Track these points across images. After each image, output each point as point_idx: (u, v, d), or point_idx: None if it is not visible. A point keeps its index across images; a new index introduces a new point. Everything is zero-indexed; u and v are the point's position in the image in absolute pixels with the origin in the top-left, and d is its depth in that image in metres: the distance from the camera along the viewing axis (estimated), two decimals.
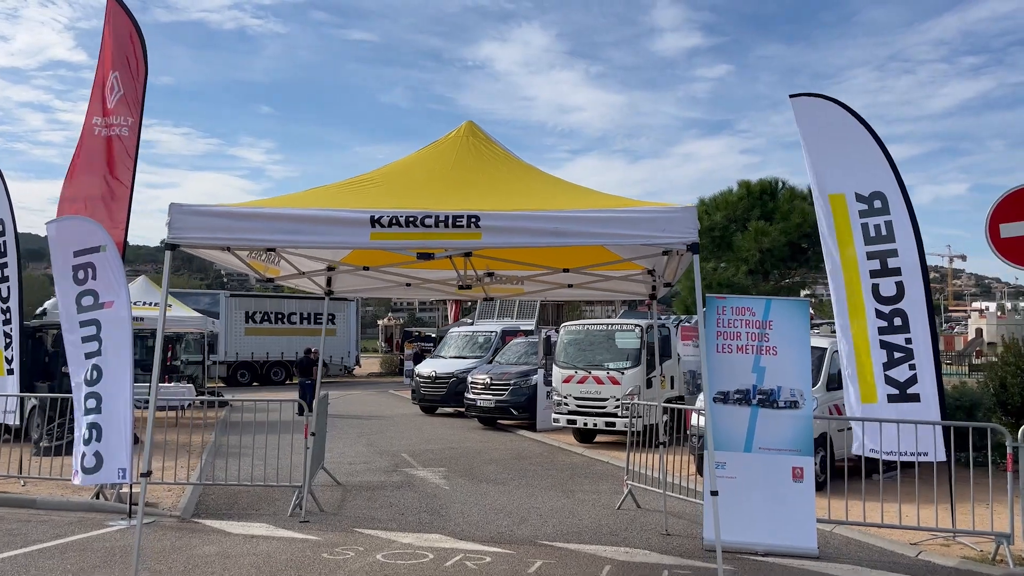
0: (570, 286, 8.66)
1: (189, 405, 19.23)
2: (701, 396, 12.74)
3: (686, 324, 17.12)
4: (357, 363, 39.80)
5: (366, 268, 7.98)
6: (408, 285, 8.84)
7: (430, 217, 5.34)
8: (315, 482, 11.12)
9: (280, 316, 37.40)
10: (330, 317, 38.45)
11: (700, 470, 11.93)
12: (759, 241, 21.45)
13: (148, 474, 6.02)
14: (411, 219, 5.34)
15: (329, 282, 8.83)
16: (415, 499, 10.33)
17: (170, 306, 19.91)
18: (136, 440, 15.12)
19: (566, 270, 7.73)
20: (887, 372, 8.63)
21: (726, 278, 22.07)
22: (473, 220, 5.29)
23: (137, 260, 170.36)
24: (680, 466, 10.57)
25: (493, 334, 23.60)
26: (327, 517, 9.11)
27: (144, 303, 19.81)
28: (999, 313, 70.54)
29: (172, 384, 21.04)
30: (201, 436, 14.19)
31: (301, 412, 22.33)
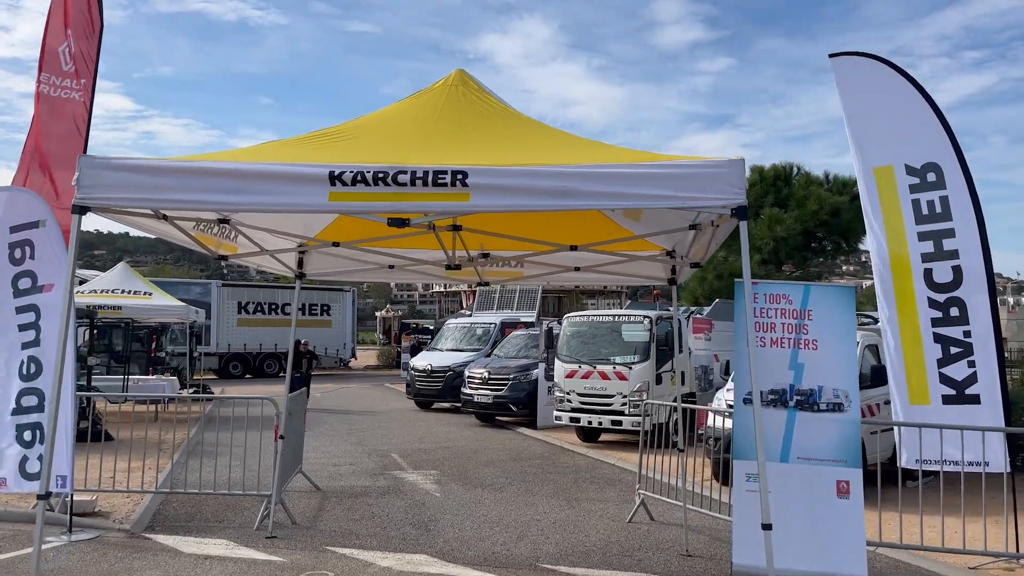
0: (577, 269, 7.53)
1: (169, 400, 18.16)
2: (719, 394, 11.61)
3: (698, 316, 15.99)
4: (353, 356, 38.72)
5: (336, 244, 6.83)
6: (391, 267, 7.71)
7: (404, 173, 4.21)
8: (291, 487, 10.02)
9: (274, 307, 36.33)
10: (325, 308, 37.39)
11: (717, 475, 10.84)
12: (773, 229, 20.30)
13: (47, 496, 4.87)
14: (380, 175, 4.22)
15: (300, 263, 7.70)
16: (402, 509, 9.22)
17: (149, 294, 18.82)
18: (109, 437, 14.07)
19: (573, 247, 6.56)
20: (942, 370, 7.51)
21: (738, 268, 20.91)
22: (459, 177, 4.17)
23: (137, 251, 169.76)
24: (693, 470, 9.45)
25: (492, 326, 22.49)
26: (298, 532, 8.00)
27: (124, 291, 18.73)
28: (1010, 308, 69.44)
29: (154, 377, 19.94)
30: (181, 433, 13.05)
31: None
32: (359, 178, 4.21)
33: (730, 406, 10.94)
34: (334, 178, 4.21)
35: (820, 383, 6.91)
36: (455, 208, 4.22)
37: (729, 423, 9.96)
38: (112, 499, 9.13)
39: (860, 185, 8.05)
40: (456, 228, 6.02)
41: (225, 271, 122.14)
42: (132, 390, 16.99)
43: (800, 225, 20.26)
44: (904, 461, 7.69)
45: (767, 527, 4.57)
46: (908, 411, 7.58)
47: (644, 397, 14.20)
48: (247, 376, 34.73)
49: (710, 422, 10.94)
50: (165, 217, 5.29)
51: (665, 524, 8.66)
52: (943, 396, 7.48)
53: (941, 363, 7.51)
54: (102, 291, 18.35)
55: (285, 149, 4.84)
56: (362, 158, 4.39)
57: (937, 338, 7.53)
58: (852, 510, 6.69)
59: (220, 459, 10.05)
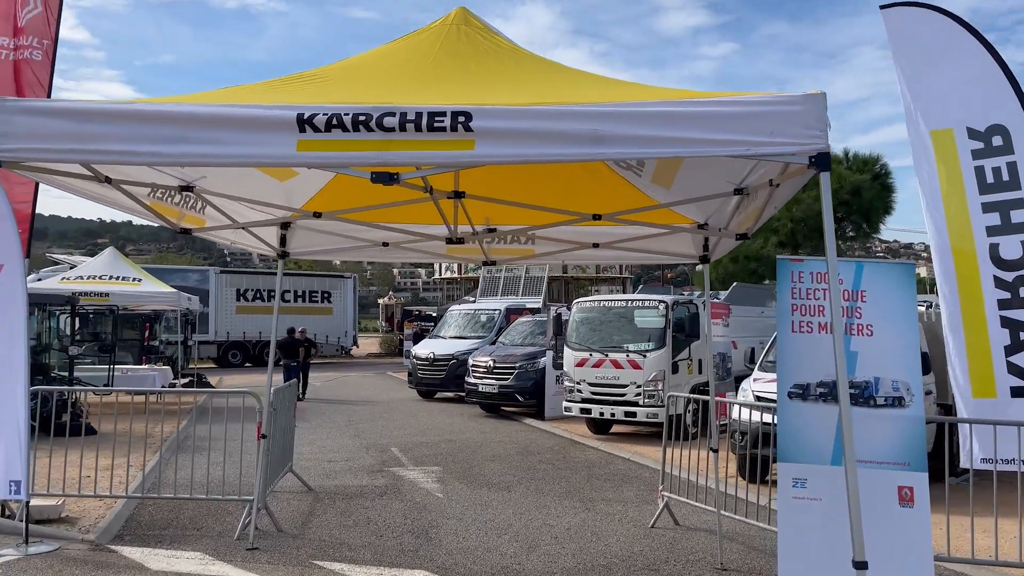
0: (595, 246, 6.63)
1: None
2: (744, 384, 10.73)
3: (715, 300, 15.09)
4: (355, 343, 37.90)
5: (317, 215, 5.92)
6: (385, 245, 6.82)
7: (392, 115, 3.33)
8: (280, 488, 9.18)
9: (273, 294, 35.42)
10: (326, 295, 36.57)
11: (743, 472, 9.99)
12: (790, 210, 19.40)
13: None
14: (362, 119, 3.33)
15: (284, 240, 6.81)
16: (400, 513, 8.38)
17: (139, 280, 17.99)
18: (92, 431, 13.24)
19: (597, 216, 5.65)
20: (1010, 358, 6.64)
21: (754, 251, 20.04)
22: (461, 120, 3.28)
23: (140, 239, 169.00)
24: (717, 466, 8.62)
25: (496, 312, 21.62)
26: (283, 541, 7.15)
27: (112, 277, 17.89)
28: None
29: (145, 366, 19.13)
30: (170, 426, 12.20)
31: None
32: (335, 122, 3.32)
33: (758, 398, 10.10)
34: (303, 122, 3.33)
35: (877, 374, 6.02)
36: (456, 159, 3.33)
37: (757, 416, 9.10)
38: (83, 502, 8.30)
39: (914, 152, 7.15)
40: (458, 195, 5.13)
41: (228, 259, 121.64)
42: (120, 380, 16.19)
43: (819, 205, 19.32)
44: (963, 462, 6.84)
45: (861, 566, 3.67)
46: (972, 405, 6.70)
47: (660, 387, 13.37)
48: (246, 364, 33.95)
49: (735, 414, 10.07)
50: (108, 180, 4.40)
51: (692, 530, 7.81)
52: (1012, 388, 6.61)
53: (1009, 351, 6.64)
54: (88, 277, 17.53)
55: (244, 92, 3.95)
56: (340, 99, 3.51)
57: (1005, 322, 6.66)
58: (917, 520, 5.81)
59: (207, 456, 9.23)
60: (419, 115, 3.31)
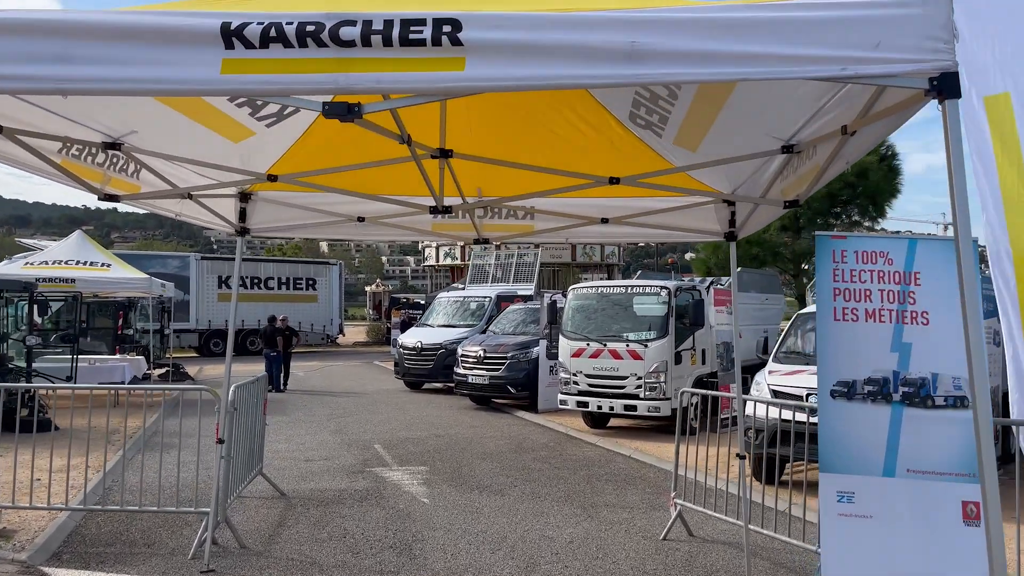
0: (604, 221, 5.73)
1: (131, 382, 16.38)
2: (758, 377, 9.88)
3: (719, 287, 14.22)
4: (341, 332, 36.94)
5: (272, 178, 4.96)
6: (361, 220, 5.89)
7: (352, 24, 2.41)
8: (249, 492, 8.29)
9: (257, 281, 34.48)
10: (310, 282, 35.57)
11: (758, 475, 9.17)
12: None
13: None
14: (310, 30, 2.42)
15: (243, 214, 5.87)
16: (381, 523, 7.50)
17: (108, 266, 16.97)
18: (55, 427, 12.29)
19: (614, 180, 4.72)
20: None
21: (756, 235, 19.15)
22: (447, 30, 2.37)
23: (125, 226, 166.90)
24: (728, 463, 7.77)
25: (487, 300, 20.72)
26: (244, 561, 6.25)
27: (78, 262, 16.87)
28: None
29: (117, 356, 18.15)
30: (138, 421, 11.24)
31: (268, 390, 19.61)
32: (273, 34, 2.41)
33: (775, 393, 9.26)
34: (230, 34, 2.41)
35: (934, 369, 5.16)
36: (440, 84, 2.41)
37: (775, 412, 8.25)
38: (26, 512, 7.37)
39: (963, 120, 6.26)
40: (444, 154, 4.22)
41: (215, 246, 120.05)
42: (87, 372, 15.20)
43: (823, 187, 18.45)
44: None
45: None
46: None
47: (662, 379, 12.52)
48: None
49: (748, 410, 9.19)
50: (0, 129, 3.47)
51: (709, 542, 6.96)
52: None
53: None
54: (53, 262, 16.50)
55: (160, 5, 3.03)
56: (281, 4, 2.60)
57: None
58: (985, 541, 4.98)
59: (165, 459, 8.29)
60: (389, 24, 2.39)
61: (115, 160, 4.38)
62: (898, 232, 21.03)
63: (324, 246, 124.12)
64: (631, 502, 8.45)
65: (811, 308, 10.41)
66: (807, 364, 9.30)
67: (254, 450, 8.30)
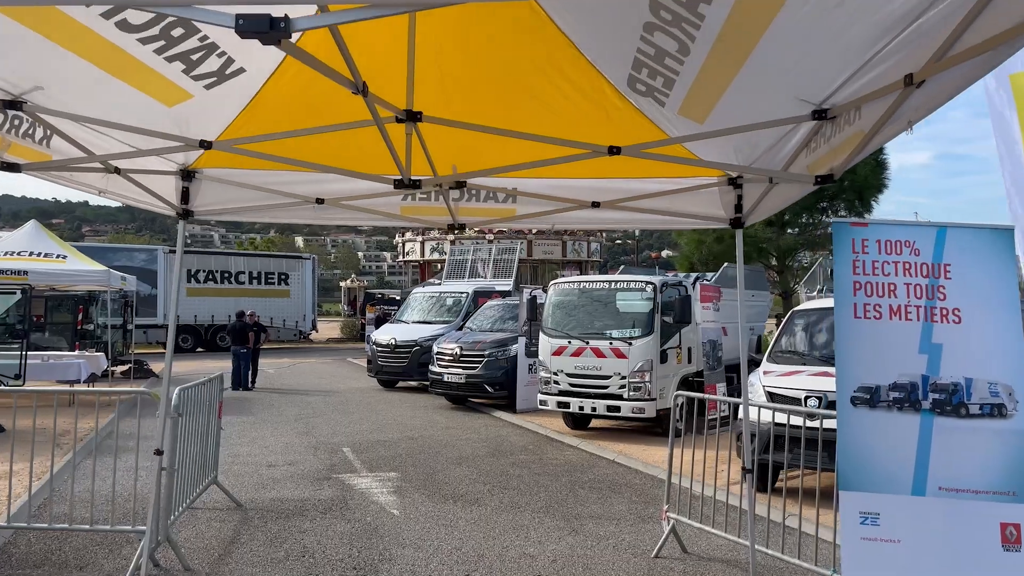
0: (595, 205, 5.08)
1: (88, 379, 15.53)
2: (752, 378, 9.29)
3: (705, 283, 13.66)
4: (314, 328, 36.08)
5: (205, 146, 4.24)
6: (320, 202, 5.20)
7: None
8: (202, 504, 7.57)
9: (227, 275, 33.56)
10: (283, 277, 34.67)
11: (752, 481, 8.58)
12: None
13: None
14: None
15: (186, 195, 5.16)
16: (345, 539, 6.81)
17: (63, 257, 16.08)
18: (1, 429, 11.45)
19: (614, 150, 4.04)
20: None
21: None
22: None
23: (97, 220, 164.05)
24: (701, 464, 7.21)
25: (464, 296, 20.05)
26: None
27: (31, 253, 15.96)
28: None
29: (74, 353, 17.26)
30: (86, 423, 10.47)
31: (236, 388, 18.83)
32: None
33: (771, 395, 8.69)
34: None
35: (968, 373, 4.57)
36: None
37: (768, 415, 7.69)
38: None
39: (990, 103, 5.71)
40: (412, 117, 3.54)
41: (189, 241, 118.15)
42: (39, 368, 14.36)
43: None
44: None
45: None
46: None
47: (647, 378, 11.93)
48: (198, 350, 32.03)
49: (741, 413, 8.61)
50: None
51: (706, 560, 6.35)
52: None
53: None
54: (5, 253, 15.58)
55: None
56: None
57: None
58: None
59: (111, 464, 7.56)
60: None
61: (16, 122, 3.67)
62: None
63: (300, 241, 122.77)
64: (618, 513, 7.83)
65: (806, 304, 9.86)
66: (804, 364, 8.74)
67: (207, 458, 7.58)
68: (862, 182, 18.01)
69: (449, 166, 4.89)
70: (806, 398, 8.13)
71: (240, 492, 8.31)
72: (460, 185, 5.08)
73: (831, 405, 8.04)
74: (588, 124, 4.34)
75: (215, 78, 4.04)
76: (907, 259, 4.73)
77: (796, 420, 7.41)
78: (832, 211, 19.01)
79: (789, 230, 19.97)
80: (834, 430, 6.69)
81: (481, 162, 4.32)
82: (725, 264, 14.77)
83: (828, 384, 8.16)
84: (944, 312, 4.64)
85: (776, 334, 9.54)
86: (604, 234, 41.84)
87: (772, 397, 8.47)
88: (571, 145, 3.85)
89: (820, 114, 3.32)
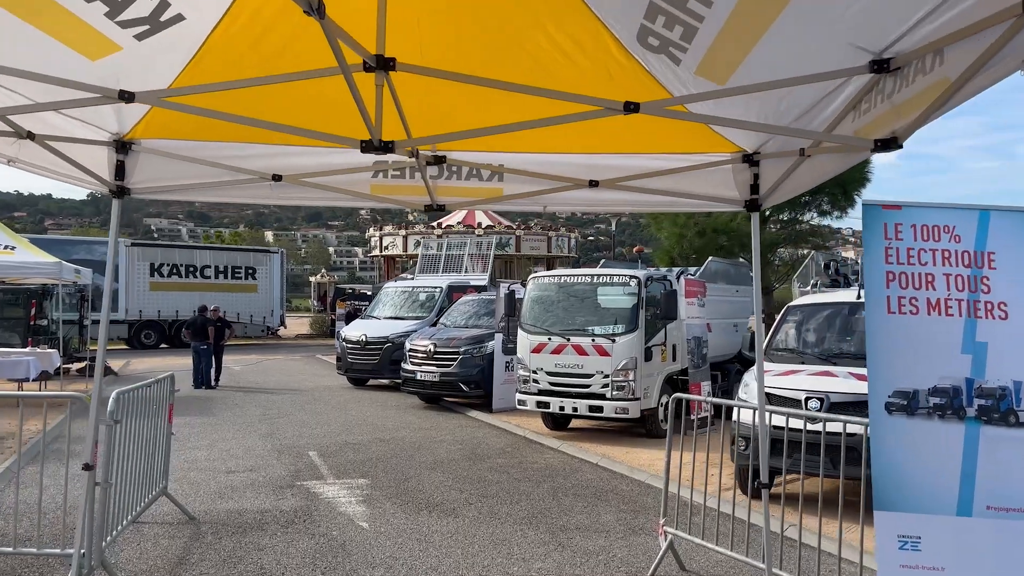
0: (593, 184, 4.47)
1: (39, 377, 14.67)
2: (746, 377, 8.75)
3: (690, 277, 13.12)
4: (282, 324, 35.14)
5: (127, 97, 3.54)
6: (277, 179, 4.54)
7: None
8: (149, 518, 6.87)
9: (192, 269, 32.52)
10: (250, 271, 33.69)
11: (744, 487, 8.08)
12: None
13: None
14: None
15: (121, 170, 4.46)
16: (307, 557, 6.15)
17: (12, 248, 15.17)
18: None
19: (631, 106, 3.37)
20: None
21: (722, 222, 18.18)
22: None
23: (61, 214, 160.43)
24: (691, 468, 6.68)
25: (437, 290, 19.38)
26: None
27: None
28: None
29: (26, 349, 16.35)
30: (33, 425, 9.64)
31: (198, 386, 17.99)
32: None
33: (768, 396, 8.15)
34: None
35: (1017, 376, 4.03)
36: None
37: (769, 418, 7.14)
38: None
39: None
40: (384, 65, 2.89)
41: (156, 235, 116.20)
42: None
43: None
44: None
45: None
46: None
47: (631, 377, 11.37)
48: (161, 346, 31.01)
49: (737, 416, 8.04)
50: None
51: None
52: None
53: None
54: None
55: None
56: None
57: None
58: None
59: (73, 466, 6.79)
60: None
61: None
62: (805, 223, 20.06)
63: (270, 236, 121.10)
64: (606, 524, 7.24)
65: (802, 299, 9.35)
66: (802, 363, 8.21)
67: (155, 467, 6.87)
68: (846, 175, 17.61)
69: (423, 124, 4.25)
70: (807, 399, 7.60)
71: (194, 503, 7.61)
72: (439, 161, 4.44)
73: (833, 407, 7.52)
74: (587, 84, 3.71)
75: (147, 26, 3.37)
76: (946, 246, 4.18)
77: (794, 423, 6.87)
78: (814, 205, 18.61)
79: (771, 225, 19.56)
80: (837, 434, 6.18)
81: (463, 123, 3.67)
82: (710, 258, 14.26)
83: (830, 384, 7.65)
84: (989, 306, 4.10)
85: (771, 331, 9.02)
86: (577, 230, 41.34)
87: (770, 398, 7.93)
88: (576, 100, 3.21)
89: (880, 65, 2.73)
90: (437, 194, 4.61)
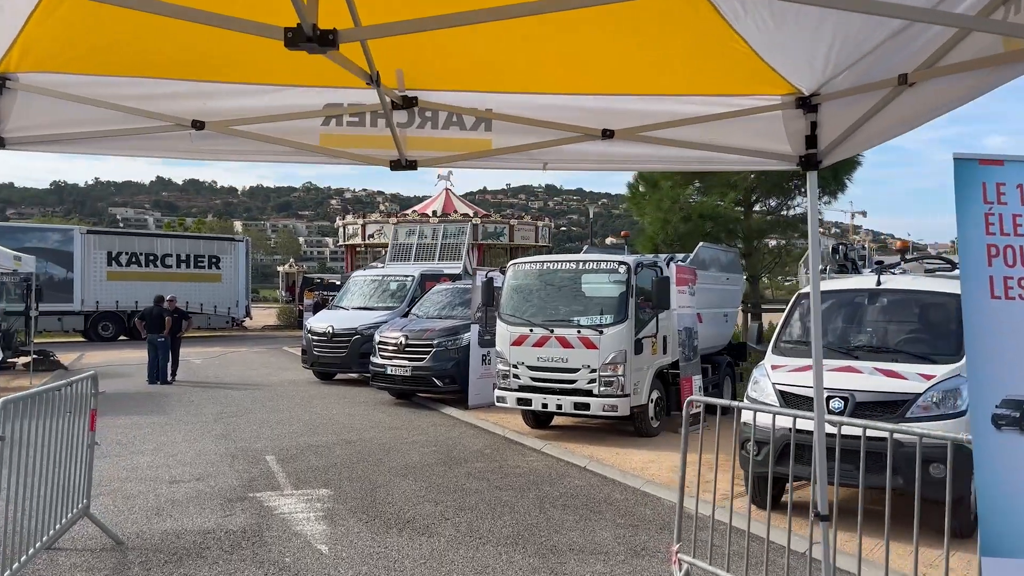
0: (607, 136, 3.50)
1: None
2: (756, 373, 7.83)
3: (680, 263, 12.20)
4: (248, 314, 33.81)
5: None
6: (198, 127, 3.50)
7: None
8: (68, 543, 5.81)
9: (152, 258, 31.09)
10: (214, 260, 32.31)
11: (758, 498, 7.18)
12: None
13: None
14: None
15: None
16: None
17: None
18: None
19: None
20: None
21: (709, 207, 17.31)
22: None
23: (23, 203, 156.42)
24: (695, 471, 5.77)
25: (409, 279, 18.32)
26: None
27: None
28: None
29: None
30: None
31: (152, 381, 16.80)
32: None
33: (783, 395, 7.26)
34: None
35: None
36: None
37: (783, 421, 6.25)
38: None
39: None
40: None
41: (122, 225, 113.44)
42: None
43: None
44: None
45: None
46: None
47: (620, 371, 10.44)
48: (120, 338, 29.58)
49: (747, 418, 7.10)
50: None
51: None
52: None
53: None
54: None
55: None
56: None
57: None
58: None
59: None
60: None
61: None
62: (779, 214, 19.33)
63: (238, 226, 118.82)
64: (603, 544, 6.30)
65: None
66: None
67: (73, 484, 5.81)
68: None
69: (392, 71, 3.24)
70: (829, 399, 6.71)
71: (125, 523, 6.56)
72: (409, 103, 3.43)
73: (860, 407, 6.64)
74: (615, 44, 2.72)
75: None
76: None
77: (807, 424, 5.95)
78: (804, 189, 17.79)
79: (756, 211, 18.74)
80: (856, 437, 5.29)
81: (440, 63, 2.65)
82: (700, 244, 13.36)
83: (854, 381, 6.75)
84: None
85: (781, 320, 8.11)
86: (550, 219, 40.23)
87: (785, 397, 7.03)
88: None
89: None
90: (407, 147, 3.60)
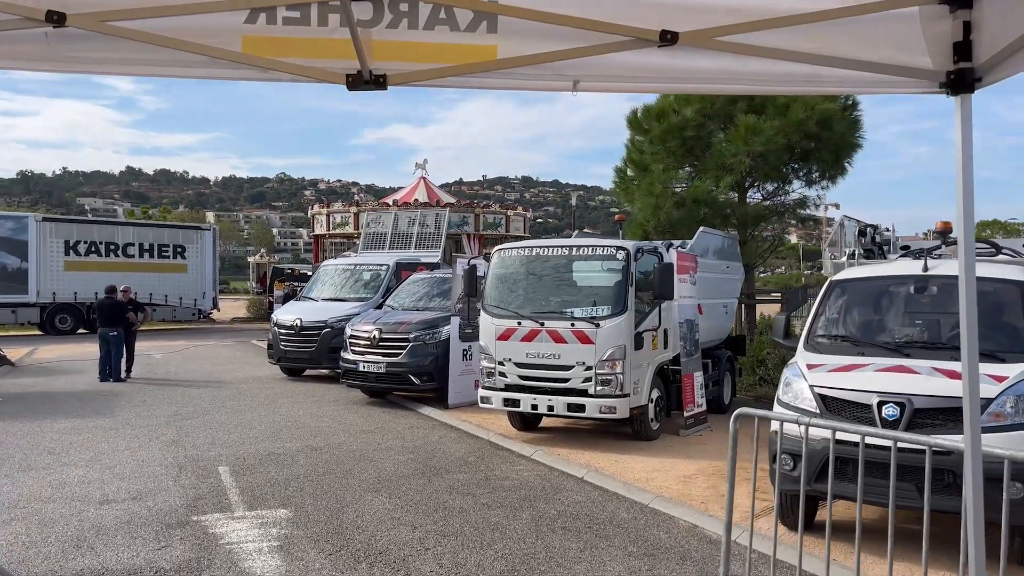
0: (668, 39, 2.37)
1: None
2: (787, 374, 6.73)
3: (681, 250, 11.13)
4: (215, 306, 32.37)
5: None
6: (55, 23, 2.32)
7: None
8: None
9: (112, 247, 29.57)
10: (179, 250, 30.83)
11: (787, 519, 6.15)
12: (749, 143, 15.63)
13: None
14: None
15: None
16: None
17: None
18: None
19: None
20: None
21: (704, 191, 16.23)
22: None
23: None
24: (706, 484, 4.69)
25: (384, 268, 17.11)
26: None
27: None
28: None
29: None
30: None
31: (104, 378, 15.45)
32: None
33: (823, 399, 6.18)
34: None
35: None
36: None
37: (818, 433, 5.18)
38: None
39: None
40: None
41: (89, 214, 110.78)
42: None
43: (782, 138, 15.62)
44: None
45: None
46: None
47: (618, 368, 9.36)
48: (79, 331, 28.06)
49: (774, 426, 5.99)
50: None
51: None
52: None
53: None
54: None
55: None
56: None
57: None
58: None
59: None
60: None
61: None
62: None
63: (211, 217, 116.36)
64: (614, 573, 5.21)
65: (850, 272, 7.40)
66: (863, 355, 6.23)
67: None
68: (838, 140, 15.82)
69: None
70: (880, 404, 5.65)
71: (35, 558, 5.36)
72: None
73: (917, 414, 5.59)
74: None
75: None
76: None
77: (851, 436, 4.89)
78: (807, 173, 16.78)
79: (750, 197, 17.74)
80: (920, 451, 4.27)
81: None
82: (701, 228, 12.31)
83: (910, 384, 5.69)
84: None
85: (812, 312, 7.04)
86: (529, 208, 38.76)
87: (826, 402, 5.96)
88: None
89: None
90: (373, 55, 2.44)
